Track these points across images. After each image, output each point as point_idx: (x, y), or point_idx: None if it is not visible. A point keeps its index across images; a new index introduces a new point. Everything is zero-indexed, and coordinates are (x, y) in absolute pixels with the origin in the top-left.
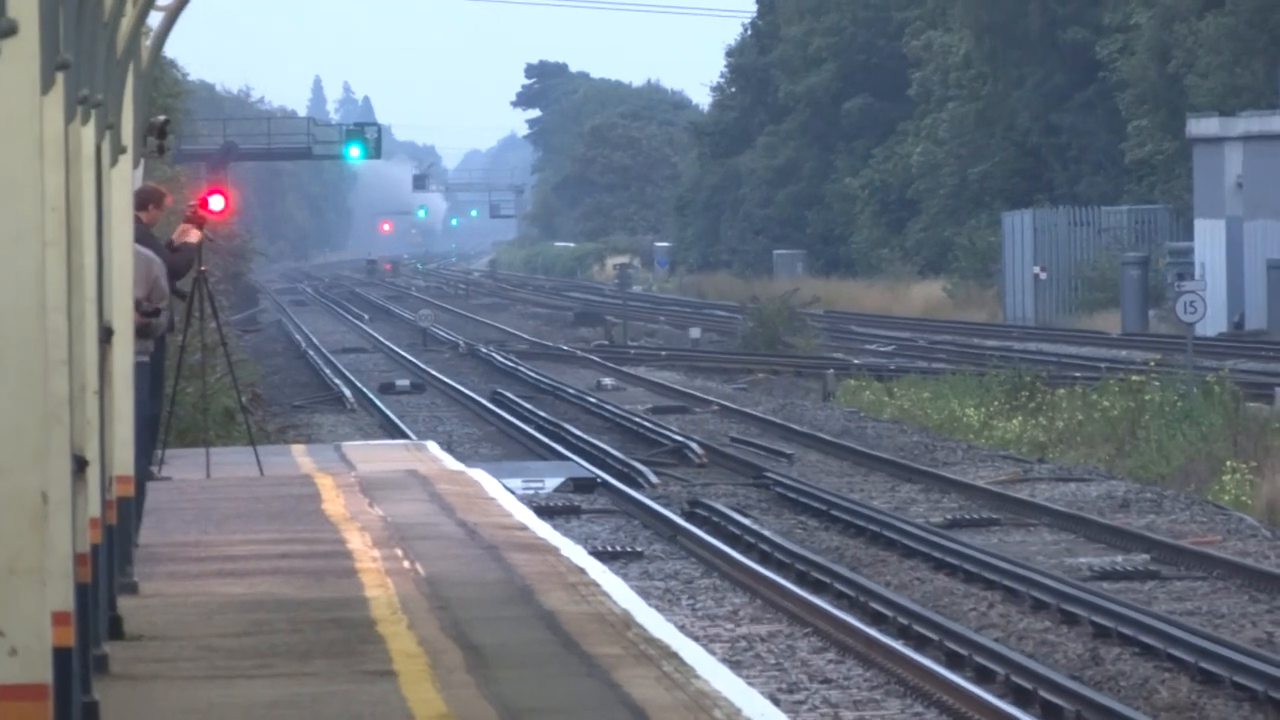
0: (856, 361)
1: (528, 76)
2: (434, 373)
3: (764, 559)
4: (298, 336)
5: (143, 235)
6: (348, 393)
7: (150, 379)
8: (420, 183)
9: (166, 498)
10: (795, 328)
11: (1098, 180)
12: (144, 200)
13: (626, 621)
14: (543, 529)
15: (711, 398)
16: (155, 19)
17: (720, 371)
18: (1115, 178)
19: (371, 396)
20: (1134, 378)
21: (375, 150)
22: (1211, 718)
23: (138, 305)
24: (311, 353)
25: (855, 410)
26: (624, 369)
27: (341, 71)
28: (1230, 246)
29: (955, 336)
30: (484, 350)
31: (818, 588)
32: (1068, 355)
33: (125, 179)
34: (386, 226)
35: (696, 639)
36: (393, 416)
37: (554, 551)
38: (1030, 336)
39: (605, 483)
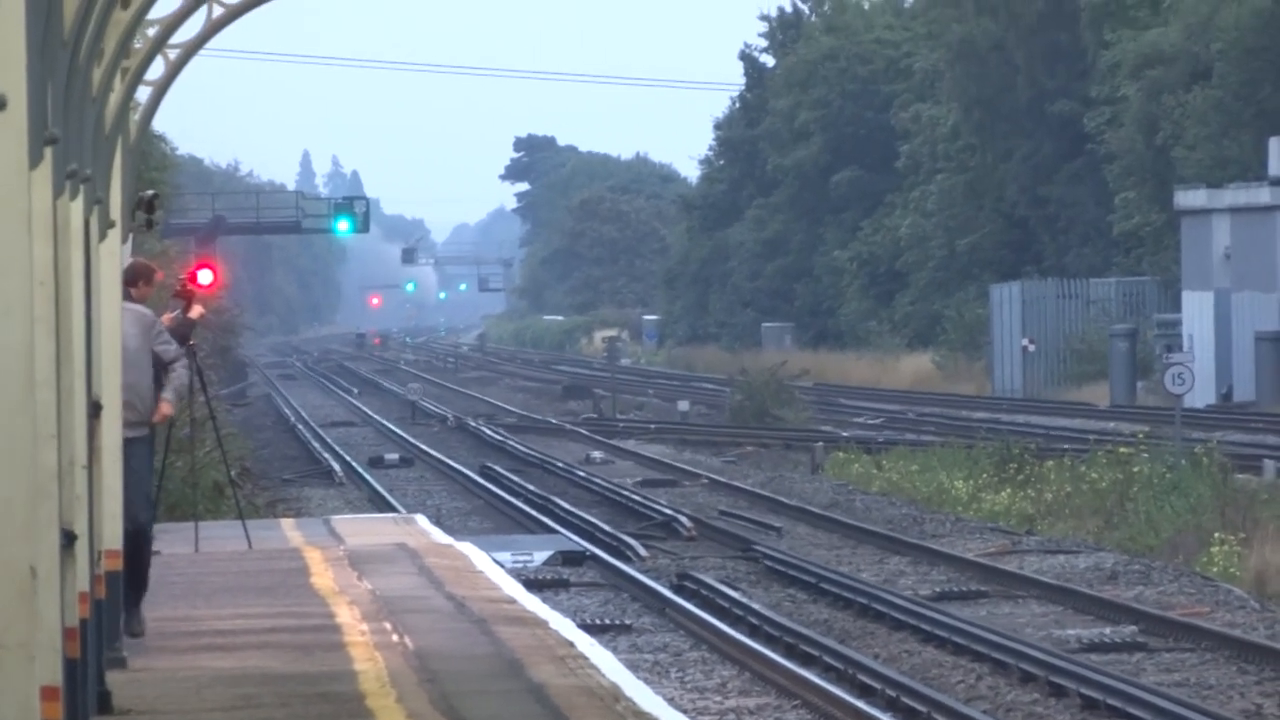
0: (845, 434)
1: (516, 150)
2: (423, 446)
3: (753, 632)
4: (286, 410)
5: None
6: (336, 466)
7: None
8: (409, 256)
9: (155, 572)
10: (784, 400)
11: (1086, 252)
12: (134, 276)
13: (615, 694)
14: (531, 602)
15: (700, 471)
16: (143, 94)
17: (709, 445)
18: (1103, 249)
19: (360, 470)
20: (1122, 450)
21: (364, 224)
22: None
23: (168, 353)
24: (300, 426)
25: (844, 483)
26: (612, 442)
27: (330, 145)
28: (1218, 318)
29: (944, 409)
30: (473, 424)
31: (806, 660)
32: (1056, 427)
33: (114, 253)
34: (375, 300)
35: (685, 712)
36: (381, 490)
37: (543, 624)
38: (1018, 408)
39: (594, 556)
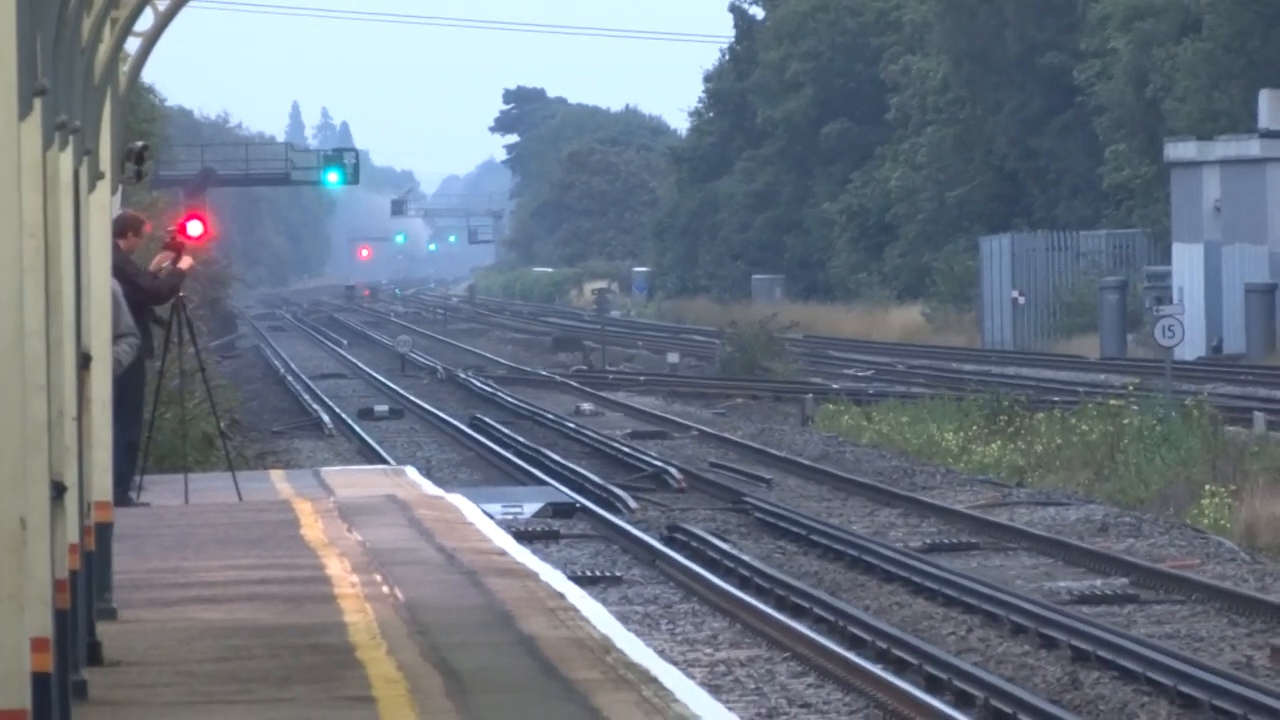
0: (835, 386)
1: (505, 102)
2: (413, 398)
3: (743, 584)
4: (276, 362)
5: (122, 262)
6: (326, 418)
7: (129, 404)
8: (398, 208)
9: (145, 523)
10: (774, 353)
11: (1076, 205)
12: (123, 227)
13: (606, 646)
14: (522, 554)
15: (690, 423)
16: (133, 45)
17: (699, 397)
18: (1093, 202)
19: (350, 422)
20: (1112, 402)
21: (353, 176)
22: None
23: None
24: (290, 378)
25: (834, 435)
26: (602, 394)
27: (320, 97)
28: (1208, 270)
29: (934, 361)
30: (462, 376)
31: (797, 612)
32: (1046, 379)
33: (103, 205)
34: (365, 252)
35: (676, 664)
36: (371, 442)
37: (533, 576)
38: (1008, 361)
39: (584, 508)
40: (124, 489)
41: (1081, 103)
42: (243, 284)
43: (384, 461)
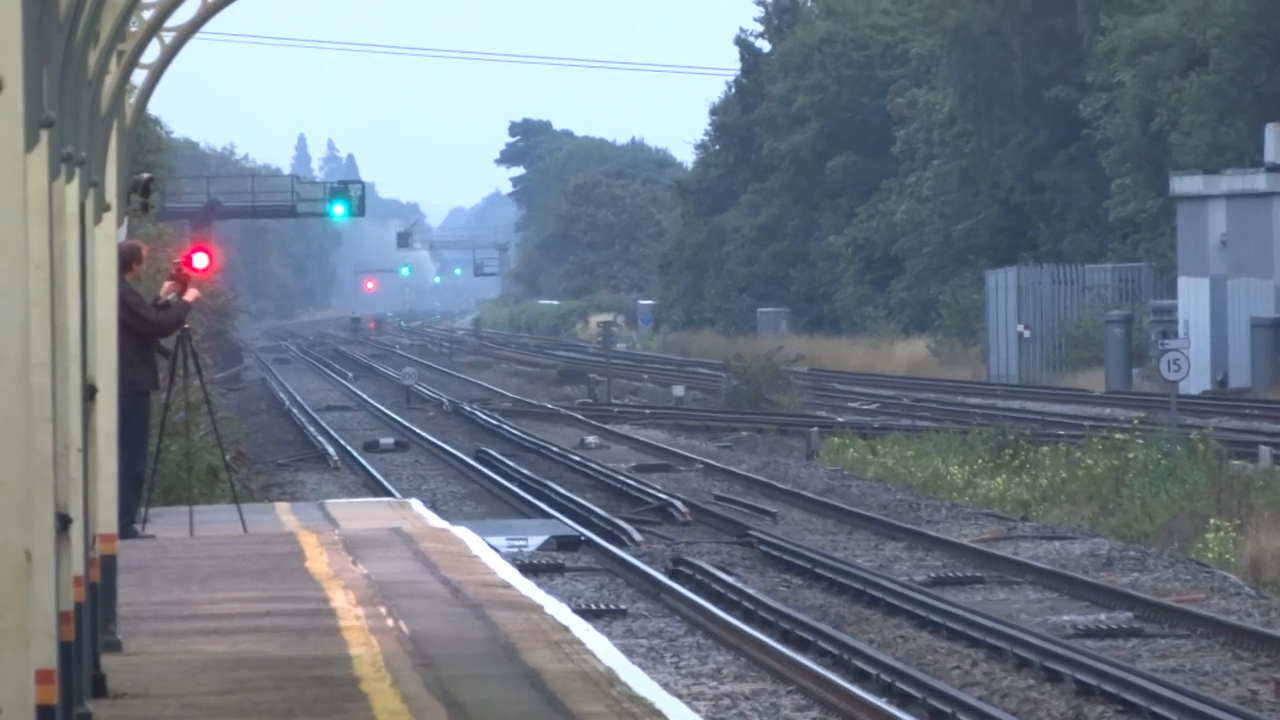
0: (840, 419)
1: (511, 134)
2: (418, 430)
3: (748, 617)
4: (281, 394)
5: (127, 293)
6: (331, 450)
7: (134, 436)
8: (404, 240)
9: (150, 556)
10: (779, 386)
11: (1081, 238)
12: (127, 259)
13: (610, 679)
14: (526, 587)
15: (695, 456)
16: (139, 77)
17: (704, 430)
18: (1099, 236)
19: (355, 454)
20: (1118, 436)
21: (359, 208)
22: None
23: None
24: (295, 410)
25: (839, 468)
26: (608, 427)
27: (326, 129)
28: (1214, 305)
29: (939, 394)
30: (468, 408)
31: (802, 646)
32: (1051, 413)
33: (109, 237)
34: (370, 284)
35: (680, 697)
36: (376, 474)
37: (538, 609)
38: (1014, 394)
39: (589, 541)
40: (129, 521)
41: (1087, 136)
42: (248, 316)
43: (389, 494)
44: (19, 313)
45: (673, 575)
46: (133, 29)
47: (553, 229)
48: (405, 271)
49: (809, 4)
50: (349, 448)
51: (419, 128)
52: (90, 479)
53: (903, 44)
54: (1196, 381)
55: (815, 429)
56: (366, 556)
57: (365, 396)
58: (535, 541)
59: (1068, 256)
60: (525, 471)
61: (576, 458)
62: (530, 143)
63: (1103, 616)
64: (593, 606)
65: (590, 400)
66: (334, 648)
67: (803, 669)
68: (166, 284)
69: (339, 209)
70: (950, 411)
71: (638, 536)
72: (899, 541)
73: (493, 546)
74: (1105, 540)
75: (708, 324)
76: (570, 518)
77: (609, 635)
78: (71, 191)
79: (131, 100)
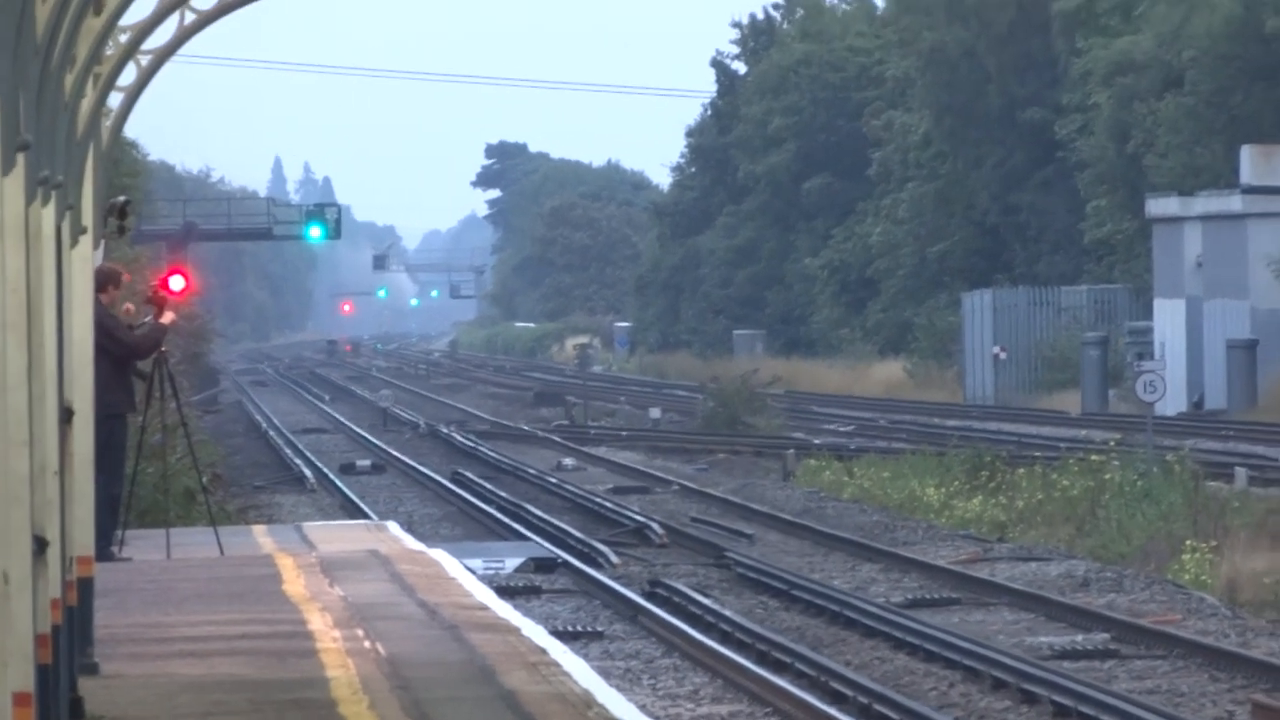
0: (817, 441)
1: (488, 157)
2: (394, 453)
3: (725, 639)
4: (258, 417)
5: (103, 316)
6: (308, 473)
7: (111, 459)
8: (380, 263)
9: (127, 578)
10: (755, 408)
11: (1057, 260)
12: (103, 281)
13: (588, 701)
14: (503, 609)
15: (672, 478)
16: (115, 100)
17: (681, 452)
18: (1075, 257)
19: (332, 477)
20: (1094, 457)
21: (335, 231)
22: None
23: None
24: (272, 433)
25: (815, 490)
26: (584, 449)
27: (302, 152)
28: (1190, 326)
29: (915, 416)
30: (444, 430)
31: (779, 667)
32: (1027, 435)
33: (86, 259)
34: (347, 307)
35: (658, 719)
36: (353, 497)
37: (515, 631)
38: (990, 416)
39: (566, 563)
40: (106, 544)
41: (1063, 158)
42: (225, 339)
43: (366, 516)
44: None
45: (650, 597)
46: (109, 52)
47: (529, 251)
48: (382, 294)
49: (785, 26)
50: (326, 470)
51: (395, 150)
52: (67, 502)
53: (878, 66)
54: (1173, 403)
55: (792, 451)
56: (343, 579)
57: (342, 419)
58: (512, 563)
59: (1043, 278)
60: (502, 494)
61: (553, 480)
62: (506, 165)
63: (1079, 638)
64: (570, 628)
65: (567, 422)
66: (311, 670)
67: (780, 691)
68: (127, 306)
69: (315, 232)
70: (927, 433)
71: (615, 558)
72: (875, 563)
73: (469, 569)
74: (1082, 561)
75: (684, 346)
76: (547, 540)
77: (586, 657)
78: (48, 214)
79: (108, 123)
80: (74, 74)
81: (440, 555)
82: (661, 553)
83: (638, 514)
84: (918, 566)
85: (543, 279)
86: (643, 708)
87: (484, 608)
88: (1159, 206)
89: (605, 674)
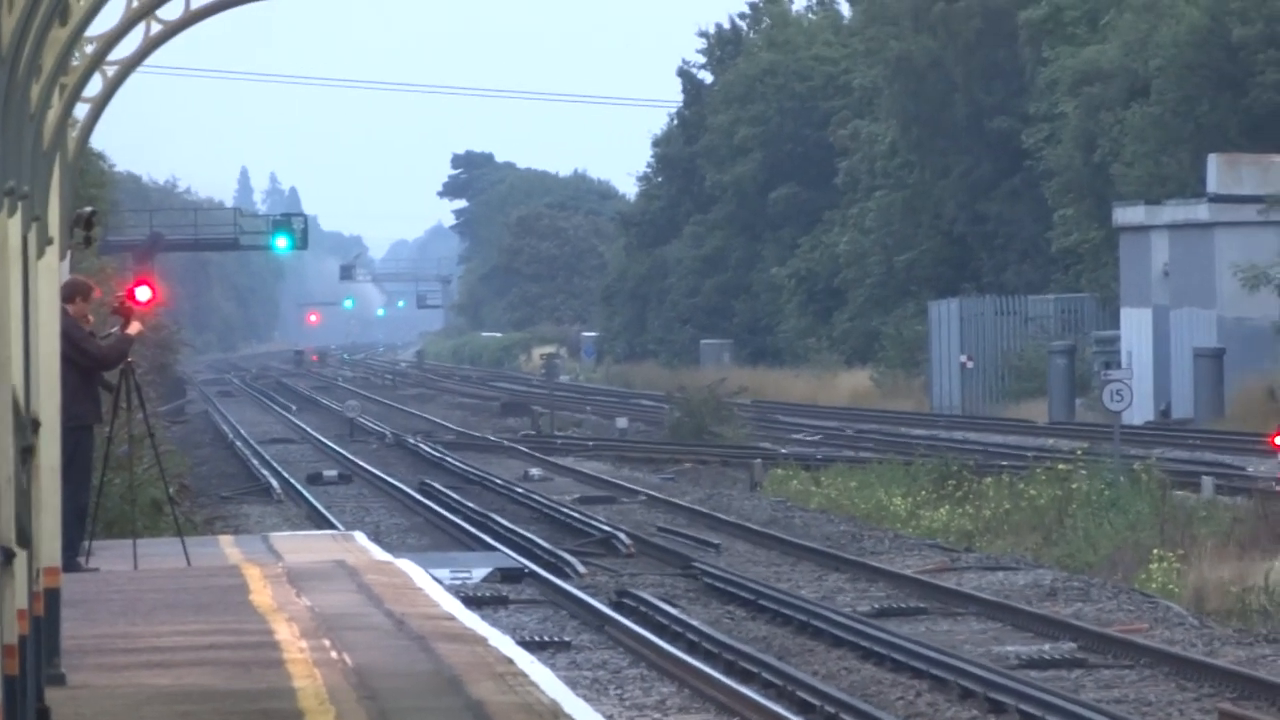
0: (783, 451)
1: (454, 167)
2: (361, 463)
3: (692, 648)
4: (225, 427)
5: (70, 327)
6: (275, 483)
7: (78, 470)
8: (347, 273)
9: (94, 589)
10: (722, 417)
11: (1024, 269)
12: (71, 292)
13: (555, 711)
14: (471, 619)
15: (639, 488)
16: (81, 111)
17: (648, 461)
18: (1042, 266)
19: (299, 487)
20: (1061, 466)
21: (302, 241)
22: None
23: None
24: (239, 443)
25: (782, 500)
26: (551, 459)
27: (268, 162)
28: (1157, 335)
29: (882, 425)
30: (411, 441)
31: (746, 677)
32: (994, 444)
33: (52, 270)
34: (313, 317)
35: None
36: (320, 507)
37: (482, 641)
38: (957, 425)
39: (533, 573)
40: (73, 554)
41: (1030, 167)
42: (191, 349)
43: (333, 527)
44: None
45: (617, 607)
46: (75, 63)
47: (495, 261)
48: (348, 304)
49: (751, 35)
50: (292, 480)
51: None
52: (34, 512)
53: (845, 75)
54: (1139, 412)
55: (758, 460)
56: (310, 589)
57: (308, 429)
58: (479, 574)
59: (1010, 287)
60: (469, 504)
61: (520, 490)
62: (473, 175)
63: (1046, 647)
64: (537, 639)
65: (533, 432)
66: (278, 680)
67: (747, 700)
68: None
69: (282, 242)
70: (893, 442)
71: (582, 569)
72: (843, 573)
73: (436, 579)
74: (1049, 571)
75: (651, 356)
76: (514, 550)
77: (553, 667)
78: (14, 225)
79: (74, 134)
80: (40, 84)
81: (407, 565)
82: (629, 563)
83: (604, 524)
84: (885, 576)
85: (509, 289)
86: (610, 718)
87: (451, 618)
88: (1126, 215)
89: (572, 684)
